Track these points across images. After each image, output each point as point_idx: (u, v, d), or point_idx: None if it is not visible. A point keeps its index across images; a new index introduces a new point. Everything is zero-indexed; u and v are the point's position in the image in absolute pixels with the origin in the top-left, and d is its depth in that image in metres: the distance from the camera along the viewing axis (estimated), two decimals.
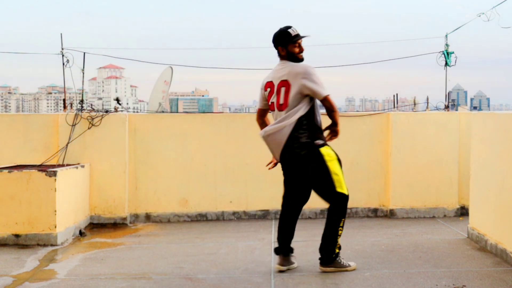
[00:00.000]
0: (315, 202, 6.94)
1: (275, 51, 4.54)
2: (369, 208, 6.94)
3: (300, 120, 4.33)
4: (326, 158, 4.37)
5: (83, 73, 7.19)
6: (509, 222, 4.68)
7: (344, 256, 5.02)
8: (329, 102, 4.35)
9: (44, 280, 4.46)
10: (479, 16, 6.54)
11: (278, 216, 6.88)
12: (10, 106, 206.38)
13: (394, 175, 6.83)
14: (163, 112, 8.59)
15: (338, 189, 4.41)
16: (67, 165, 6.35)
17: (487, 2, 6.69)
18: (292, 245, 4.64)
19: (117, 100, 7.18)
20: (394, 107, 7.89)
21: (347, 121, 7.00)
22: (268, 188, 6.74)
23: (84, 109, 6.85)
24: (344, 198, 4.44)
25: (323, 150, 4.38)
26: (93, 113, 6.74)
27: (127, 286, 4.27)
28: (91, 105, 7.31)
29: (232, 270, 4.63)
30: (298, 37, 4.46)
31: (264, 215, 6.90)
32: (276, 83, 4.45)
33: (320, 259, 4.54)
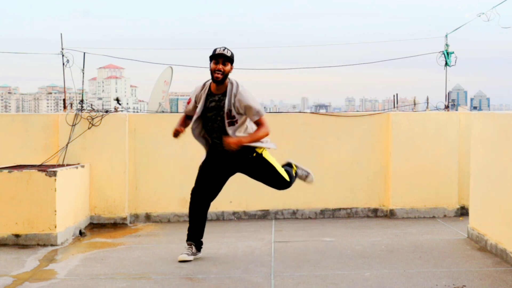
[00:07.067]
0: (315, 202, 6.99)
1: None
2: (369, 208, 6.94)
3: None
4: None
5: (83, 73, 7.20)
6: (509, 222, 4.68)
7: (344, 256, 5.02)
8: None
9: (44, 280, 4.46)
10: (479, 16, 6.54)
11: (278, 216, 6.90)
12: (10, 106, 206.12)
13: (394, 175, 6.83)
14: (163, 112, 8.58)
15: None
16: (67, 165, 6.35)
17: (487, 2, 6.70)
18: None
19: (117, 100, 7.17)
20: (394, 107, 7.88)
21: (347, 121, 7.01)
22: (268, 188, 6.69)
23: (84, 109, 6.85)
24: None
25: None
26: (93, 113, 6.73)
27: (127, 286, 4.27)
28: (91, 105, 7.30)
29: (232, 270, 4.63)
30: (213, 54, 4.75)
31: (264, 215, 6.90)
32: None
33: None
